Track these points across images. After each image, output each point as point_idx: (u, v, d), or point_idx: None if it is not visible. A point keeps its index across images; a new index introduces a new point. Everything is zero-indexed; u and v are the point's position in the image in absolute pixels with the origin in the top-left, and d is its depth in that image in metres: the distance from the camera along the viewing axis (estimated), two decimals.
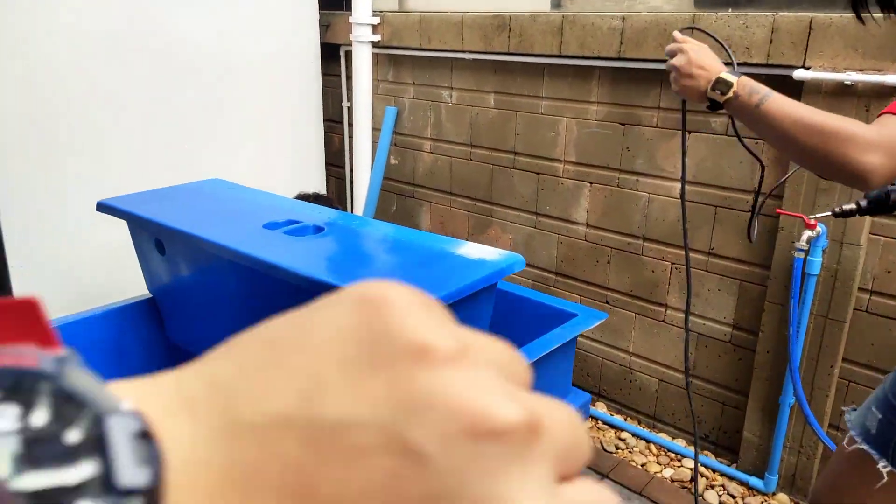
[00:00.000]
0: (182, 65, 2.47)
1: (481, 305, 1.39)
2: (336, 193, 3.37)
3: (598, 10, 2.18)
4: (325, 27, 2.99)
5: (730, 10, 1.88)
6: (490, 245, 2.77)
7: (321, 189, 3.08)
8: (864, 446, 1.08)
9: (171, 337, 1.92)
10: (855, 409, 1.17)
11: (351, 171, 3.13)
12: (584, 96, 2.28)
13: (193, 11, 2.44)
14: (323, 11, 2.95)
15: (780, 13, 1.75)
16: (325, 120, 3.20)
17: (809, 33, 1.70)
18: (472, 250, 1.45)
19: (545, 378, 1.77)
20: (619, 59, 2.11)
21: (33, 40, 2.11)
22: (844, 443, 1.13)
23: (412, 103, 2.84)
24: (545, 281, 2.58)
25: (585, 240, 2.41)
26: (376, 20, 2.77)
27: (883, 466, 1.06)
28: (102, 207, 1.77)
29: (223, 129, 2.65)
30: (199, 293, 1.73)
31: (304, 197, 2.35)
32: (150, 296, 1.91)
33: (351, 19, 2.76)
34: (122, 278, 2.21)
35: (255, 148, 2.77)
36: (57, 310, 2.24)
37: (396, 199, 3.05)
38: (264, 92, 2.75)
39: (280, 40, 2.75)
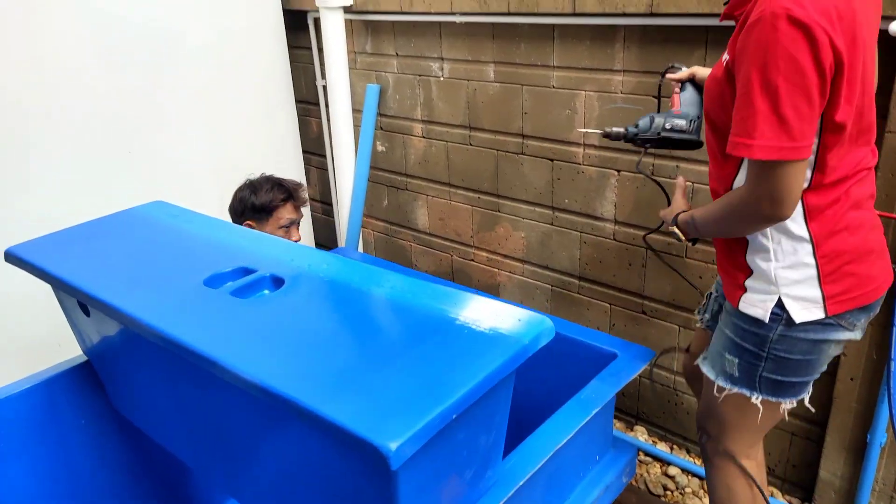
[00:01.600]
0: (122, 46, 2.02)
1: (499, 397, 1.00)
2: (319, 186, 2.95)
3: None
4: None
5: None
6: (500, 244, 2.38)
7: (300, 179, 2.66)
8: (735, 389, 1.25)
9: (114, 405, 1.55)
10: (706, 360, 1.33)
11: (333, 159, 2.70)
12: (606, 64, 1.83)
13: None
14: None
15: None
16: (299, 101, 2.75)
17: None
18: (481, 313, 1.04)
19: (579, 447, 1.39)
20: (650, 14, 1.65)
21: None
22: (714, 391, 1.29)
23: (397, 79, 2.39)
24: (567, 287, 2.18)
25: (614, 239, 2.00)
26: None
27: (756, 398, 1.24)
28: (10, 258, 1.38)
29: (176, 122, 2.22)
30: (135, 363, 1.35)
31: (238, 188, 1.94)
32: (86, 359, 1.53)
33: None
34: (56, 333, 1.83)
35: (217, 140, 2.34)
36: None
37: (387, 191, 2.63)
38: (222, 73, 2.30)
39: (234, 8, 2.29)
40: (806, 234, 1.13)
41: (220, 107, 2.32)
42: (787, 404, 1.24)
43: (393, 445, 0.75)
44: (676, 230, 1.31)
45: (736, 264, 1.22)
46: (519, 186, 2.17)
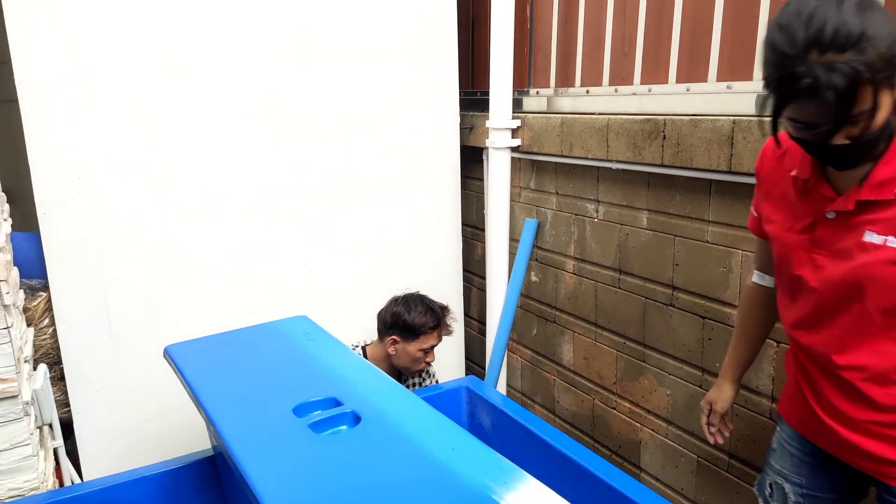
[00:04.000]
0: (320, 180, 2.36)
1: None
2: (478, 306, 3.03)
3: None
4: (467, 129, 2.74)
5: None
6: (644, 398, 2.18)
7: (457, 300, 2.77)
8: None
9: (228, 501, 1.70)
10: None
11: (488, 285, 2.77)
12: None
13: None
14: (467, 113, 2.71)
15: None
16: (468, 226, 2.91)
17: None
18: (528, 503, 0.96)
19: None
20: None
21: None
22: None
23: (555, 215, 2.42)
24: (716, 462, 1.90)
25: (770, 418, 1.72)
26: (516, 123, 2.43)
27: None
28: (166, 355, 1.64)
29: (355, 230, 2.48)
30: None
31: (393, 300, 2.06)
32: (213, 453, 1.72)
33: (488, 124, 2.46)
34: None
35: (386, 252, 2.56)
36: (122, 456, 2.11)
37: (537, 321, 2.60)
38: (402, 192, 2.54)
39: (421, 141, 2.55)
40: None
41: (397, 220, 2.55)
42: None
43: None
44: None
45: None
46: (667, 339, 2.01)
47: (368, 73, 2.38)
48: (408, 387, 2.29)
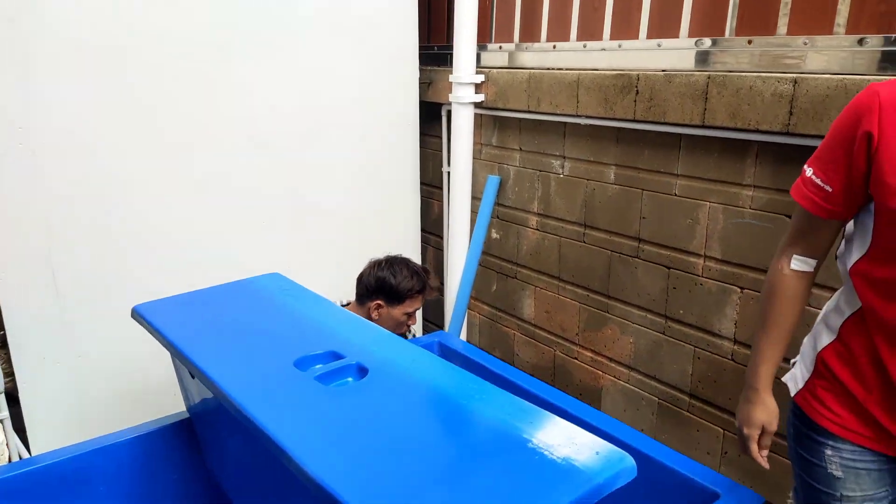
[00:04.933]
0: (270, 119, 2.26)
1: None
2: (434, 264, 3.03)
3: (759, 68, 1.65)
4: (426, 84, 2.69)
5: None
6: (606, 346, 2.28)
7: (416, 259, 2.75)
8: None
9: (207, 465, 1.64)
10: None
11: (449, 242, 2.77)
12: (735, 177, 1.75)
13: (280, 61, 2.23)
14: (424, 68, 2.65)
15: None
16: (425, 184, 2.88)
17: None
18: (557, 438, 0.99)
19: None
20: (786, 133, 1.57)
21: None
22: None
23: (518, 172, 2.44)
24: (676, 403, 2.02)
25: (732, 359, 1.85)
26: (480, 78, 2.41)
27: None
28: (135, 316, 1.54)
29: (312, 190, 2.40)
30: (228, 428, 1.42)
31: (376, 264, 2.02)
32: (188, 415, 1.65)
33: (451, 78, 2.43)
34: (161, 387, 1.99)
35: (344, 212, 2.49)
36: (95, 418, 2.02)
37: (497, 277, 2.64)
38: (356, 151, 2.47)
39: (376, 96, 2.48)
40: None
41: (351, 181, 2.49)
42: None
43: None
44: None
45: None
46: (631, 289, 2.09)
47: (322, 27, 2.28)
48: None
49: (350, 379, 1.22)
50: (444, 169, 2.79)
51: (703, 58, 1.79)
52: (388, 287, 1.96)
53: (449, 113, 2.62)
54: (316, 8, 2.25)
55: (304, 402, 1.13)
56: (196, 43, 2.05)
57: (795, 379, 1.25)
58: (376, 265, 2.01)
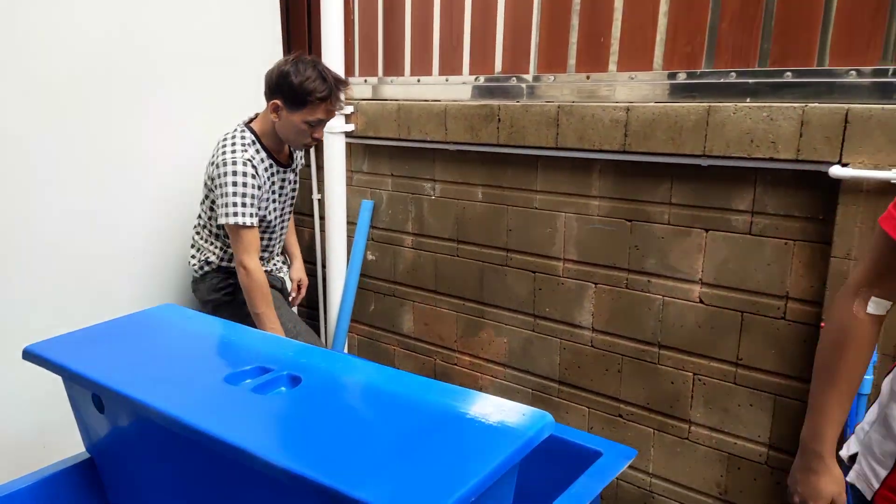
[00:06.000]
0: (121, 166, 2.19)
1: (507, 485, 1.10)
2: (307, 293, 3.06)
3: (596, 99, 2.00)
4: None
5: (748, 99, 1.71)
6: (483, 349, 2.51)
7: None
8: None
9: (111, 503, 1.56)
10: None
11: (324, 267, 2.85)
12: (584, 190, 2.07)
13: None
14: None
15: (810, 104, 1.58)
16: (294, 213, 2.93)
17: (846, 126, 1.52)
18: (488, 408, 1.16)
19: None
20: (622, 151, 1.92)
21: None
22: None
23: (391, 196, 2.61)
24: (547, 391, 2.29)
25: (592, 346, 2.16)
26: (349, 109, 2.55)
27: None
28: (29, 356, 1.44)
29: (177, 218, 2.35)
30: (147, 459, 1.39)
31: (283, 60, 1.86)
32: (89, 456, 1.56)
33: None
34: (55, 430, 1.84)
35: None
36: None
37: (374, 297, 2.77)
38: None
39: None
40: None
41: None
42: None
43: None
44: None
45: None
46: (502, 295, 2.34)
47: (185, 77, 2.29)
48: (294, 164, 2.17)
49: (284, 388, 1.29)
50: (314, 196, 2.87)
51: (550, 90, 2.12)
52: (289, 86, 1.77)
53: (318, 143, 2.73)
54: (176, 62, 2.24)
55: (247, 410, 1.18)
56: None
57: (866, 477, 1.09)
58: (283, 61, 1.83)
